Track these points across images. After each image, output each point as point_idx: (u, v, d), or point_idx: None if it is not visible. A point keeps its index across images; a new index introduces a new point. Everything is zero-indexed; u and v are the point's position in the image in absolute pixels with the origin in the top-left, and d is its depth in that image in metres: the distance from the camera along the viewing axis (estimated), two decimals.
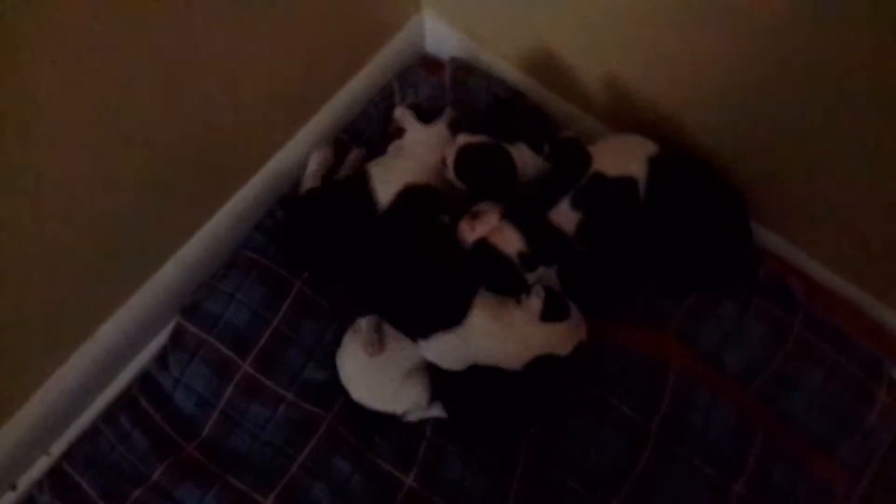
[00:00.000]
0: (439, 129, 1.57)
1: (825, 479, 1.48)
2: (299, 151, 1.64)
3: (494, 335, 1.33)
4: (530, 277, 1.40)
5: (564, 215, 1.40)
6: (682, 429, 1.51)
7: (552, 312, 1.33)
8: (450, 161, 1.44)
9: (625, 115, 1.58)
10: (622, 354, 1.55)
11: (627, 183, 1.40)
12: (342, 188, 1.55)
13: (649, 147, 1.45)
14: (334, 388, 1.52)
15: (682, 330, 1.58)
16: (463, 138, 1.43)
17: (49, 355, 1.39)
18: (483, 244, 1.38)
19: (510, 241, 1.38)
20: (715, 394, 1.53)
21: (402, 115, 1.59)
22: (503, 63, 1.77)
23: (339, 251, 1.48)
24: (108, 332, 1.45)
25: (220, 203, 1.56)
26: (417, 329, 1.39)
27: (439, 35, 1.84)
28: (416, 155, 1.53)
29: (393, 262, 1.40)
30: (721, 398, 1.52)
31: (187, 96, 1.28)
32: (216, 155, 1.45)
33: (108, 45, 1.06)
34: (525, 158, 1.43)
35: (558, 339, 1.34)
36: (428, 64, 1.84)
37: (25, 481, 1.43)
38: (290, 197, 1.63)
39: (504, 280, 1.38)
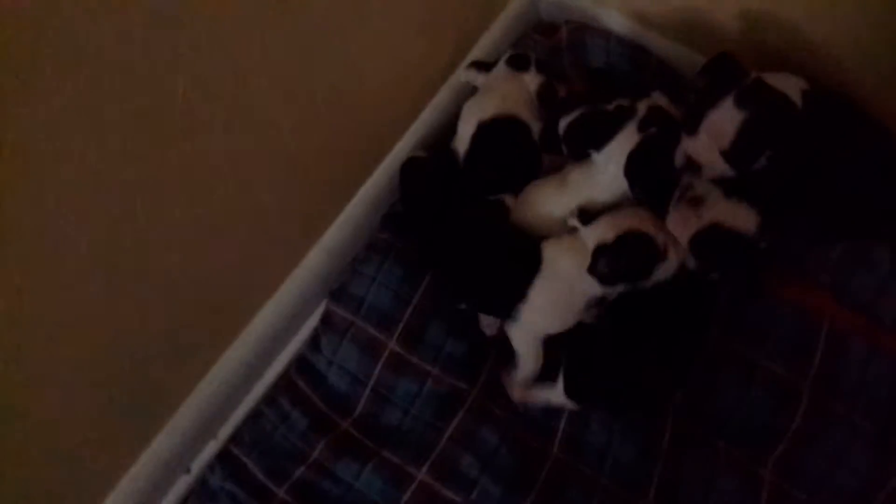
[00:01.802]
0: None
1: None
2: (427, 128, 1.67)
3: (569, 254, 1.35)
4: None
5: (727, 114, 1.29)
6: (837, 385, 1.46)
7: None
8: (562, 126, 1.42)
9: (760, 59, 1.50)
10: (769, 308, 1.50)
11: (786, 97, 1.32)
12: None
13: (801, 81, 1.38)
14: (476, 361, 1.55)
15: (834, 280, 1.51)
16: (564, 120, 1.41)
17: (212, 344, 1.47)
18: (716, 229, 1.32)
19: (746, 219, 1.32)
20: (872, 346, 1.46)
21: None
22: (621, 19, 1.74)
23: (431, 216, 1.53)
24: (264, 318, 1.52)
25: (357, 187, 1.61)
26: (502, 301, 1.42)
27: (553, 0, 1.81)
28: (494, 89, 1.53)
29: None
30: (879, 351, 1.46)
31: (320, 78, 1.33)
32: (350, 139, 1.50)
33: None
34: None
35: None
36: (544, 30, 1.81)
37: (198, 465, 1.52)
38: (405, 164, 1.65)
39: (746, 261, 1.35)
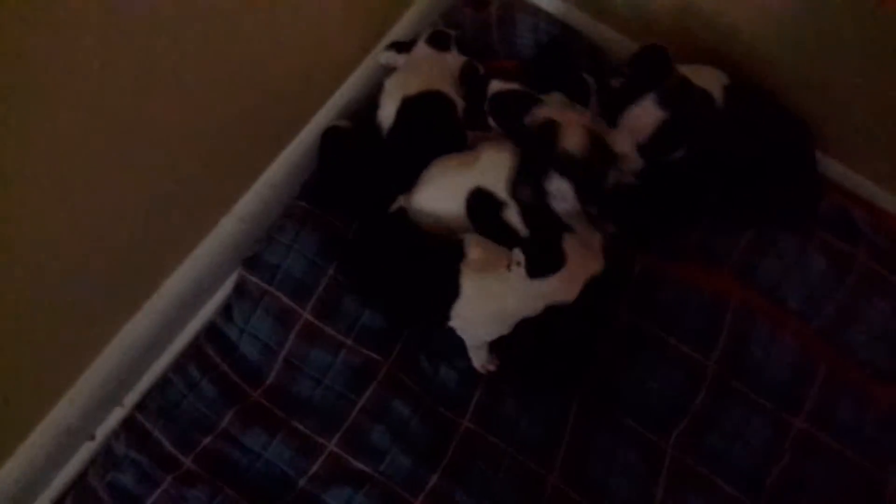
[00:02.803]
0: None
1: (892, 410, 1.46)
2: (348, 99, 1.64)
3: (495, 295, 1.29)
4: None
5: (648, 112, 1.32)
6: (740, 365, 1.50)
7: (540, 269, 1.24)
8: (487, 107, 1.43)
9: (688, 48, 1.51)
10: (678, 291, 1.54)
11: (709, 97, 1.35)
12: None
13: (723, 76, 1.42)
14: (392, 334, 1.54)
15: (741, 266, 1.56)
16: (496, 85, 1.43)
17: (118, 310, 1.43)
18: (549, 127, 1.28)
19: (580, 138, 1.26)
20: (774, 329, 1.51)
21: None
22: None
23: (354, 184, 1.53)
24: (174, 284, 1.48)
25: (276, 154, 1.58)
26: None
27: None
28: (417, 66, 1.53)
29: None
30: (781, 333, 1.51)
31: (237, 50, 1.29)
32: (269, 106, 1.46)
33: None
34: (557, 106, 1.41)
35: (557, 289, 1.25)
36: (474, 2, 1.79)
37: (103, 432, 1.49)
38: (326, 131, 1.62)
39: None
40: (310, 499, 1.43)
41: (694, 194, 1.52)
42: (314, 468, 1.45)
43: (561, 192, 1.27)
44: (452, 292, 1.30)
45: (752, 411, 1.47)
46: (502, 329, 1.37)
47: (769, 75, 1.48)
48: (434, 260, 1.35)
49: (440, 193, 1.43)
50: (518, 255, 1.24)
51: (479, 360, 1.50)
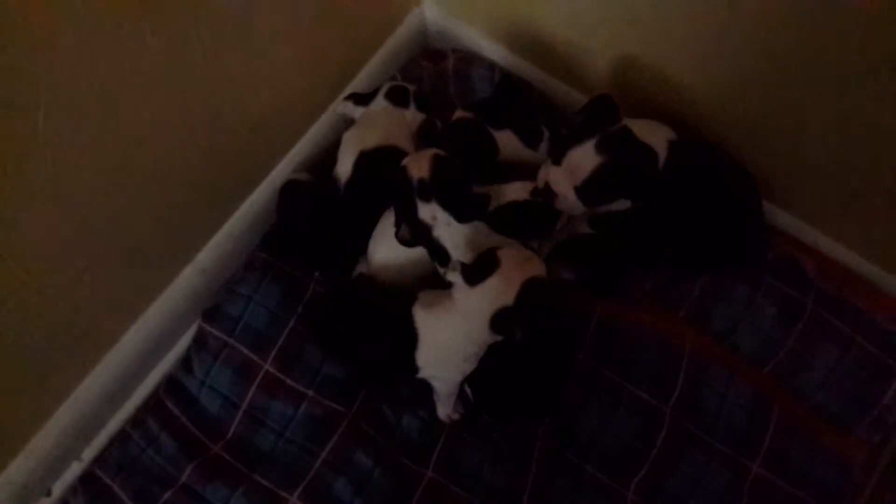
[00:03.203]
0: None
1: (844, 456, 1.49)
2: (309, 151, 1.66)
3: (447, 324, 1.31)
4: None
5: (587, 154, 1.33)
6: (697, 410, 1.53)
7: (475, 273, 1.25)
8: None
9: (637, 104, 1.57)
10: (634, 336, 1.56)
11: (650, 150, 1.38)
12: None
13: (669, 132, 1.46)
14: (354, 385, 1.54)
15: (695, 312, 1.59)
16: (459, 113, 1.50)
17: (75, 365, 1.42)
18: (401, 169, 1.35)
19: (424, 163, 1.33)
20: (730, 374, 1.54)
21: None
22: (507, 53, 1.78)
23: (313, 237, 1.54)
24: (132, 339, 1.48)
25: (236, 206, 1.58)
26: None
27: (441, 26, 1.84)
28: (374, 122, 1.55)
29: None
30: (736, 378, 1.54)
31: (199, 100, 1.31)
32: (230, 158, 1.48)
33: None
34: (507, 142, 1.49)
35: (498, 292, 1.25)
36: (431, 56, 1.84)
37: (59, 487, 1.47)
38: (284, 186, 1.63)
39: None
40: None
41: (647, 243, 1.56)
42: None
43: (440, 218, 1.34)
44: (411, 338, 1.32)
45: (711, 456, 1.49)
46: (467, 362, 1.37)
47: (716, 129, 1.53)
48: (391, 310, 1.37)
49: (393, 242, 1.44)
50: (455, 264, 1.29)
51: (446, 408, 1.50)
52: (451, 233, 1.36)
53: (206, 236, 1.55)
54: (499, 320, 1.24)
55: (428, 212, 1.33)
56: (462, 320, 1.28)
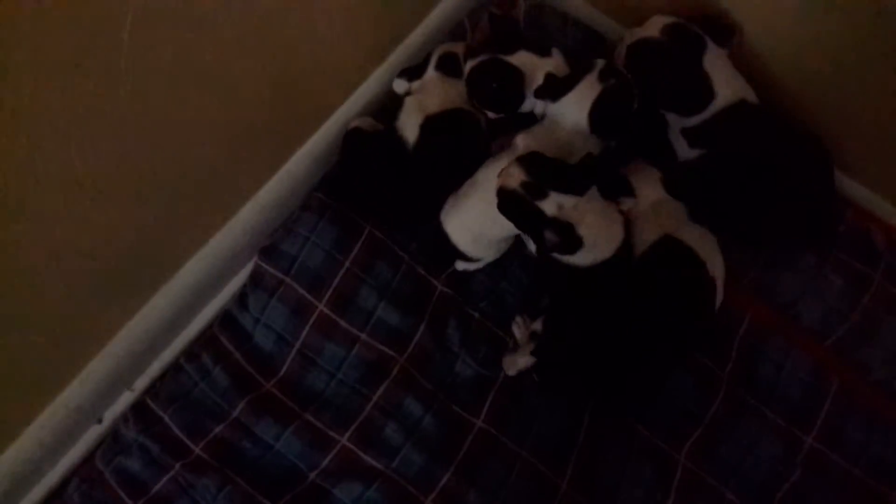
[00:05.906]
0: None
1: None
2: (373, 93, 1.63)
3: None
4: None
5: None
6: (752, 379, 1.51)
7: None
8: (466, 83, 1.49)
9: None
10: None
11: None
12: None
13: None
14: (407, 330, 1.53)
15: (758, 281, 1.57)
16: (468, 65, 1.47)
17: (134, 293, 1.41)
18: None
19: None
20: (789, 345, 1.52)
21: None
22: (581, 2, 1.73)
23: (375, 189, 1.55)
24: (190, 271, 1.46)
25: (298, 145, 1.55)
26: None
27: None
28: (432, 90, 1.53)
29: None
30: (795, 350, 1.52)
31: (266, 40, 1.27)
32: (294, 97, 1.45)
33: None
34: (525, 60, 1.46)
35: None
36: (501, 3, 1.79)
37: (110, 415, 1.47)
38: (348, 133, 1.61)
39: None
40: (320, 493, 1.42)
41: (714, 207, 1.52)
42: (325, 462, 1.44)
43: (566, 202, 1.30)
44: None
45: (765, 425, 1.48)
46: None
47: (786, 95, 1.49)
48: None
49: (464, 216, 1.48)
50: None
51: (515, 367, 1.50)
52: (580, 209, 1.31)
53: (268, 173, 1.53)
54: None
55: (551, 205, 1.28)
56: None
